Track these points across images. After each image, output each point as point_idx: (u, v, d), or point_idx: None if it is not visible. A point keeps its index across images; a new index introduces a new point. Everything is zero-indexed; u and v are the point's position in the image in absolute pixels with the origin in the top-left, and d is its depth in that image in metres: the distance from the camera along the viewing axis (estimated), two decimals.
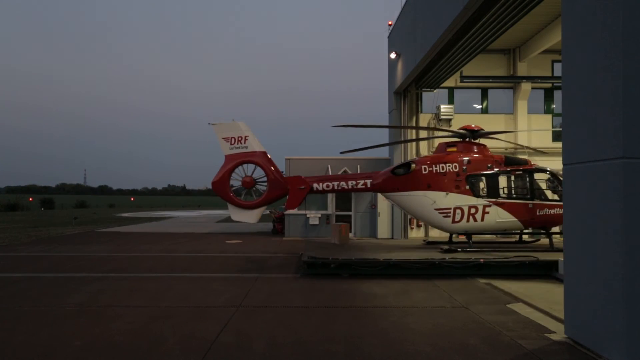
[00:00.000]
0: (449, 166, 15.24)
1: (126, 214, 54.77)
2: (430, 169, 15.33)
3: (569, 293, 7.27)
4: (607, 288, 6.33)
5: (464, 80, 22.99)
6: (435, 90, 23.17)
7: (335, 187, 16.09)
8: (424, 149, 23.72)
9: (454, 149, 15.95)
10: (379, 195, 23.45)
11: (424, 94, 23.81)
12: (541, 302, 9.68)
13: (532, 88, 23.37)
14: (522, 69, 23.08)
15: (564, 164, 7.35)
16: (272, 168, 15.83)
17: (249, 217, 16.02)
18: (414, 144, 23.49)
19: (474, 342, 7.16)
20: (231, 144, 15.66)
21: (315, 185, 16.03)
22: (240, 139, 15.64)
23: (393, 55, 22.77)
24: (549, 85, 23.68)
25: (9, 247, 20.13)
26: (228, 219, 43.69)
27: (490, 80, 23.32)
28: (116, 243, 21.52)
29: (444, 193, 15.07)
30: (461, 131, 16.09)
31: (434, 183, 15.22)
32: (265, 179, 15.92)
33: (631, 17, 6.08)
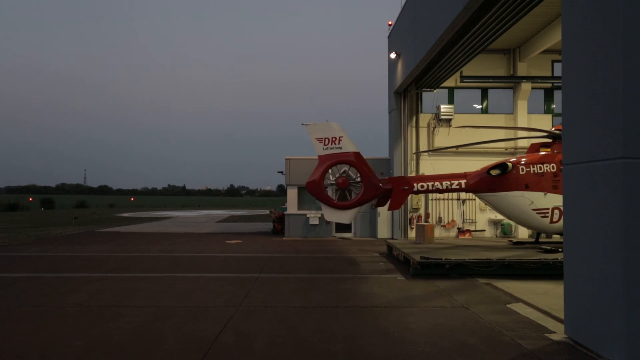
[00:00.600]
0: (547, 166, 15.22)
1: (126, 214, 54.78)
2: (528, 169, 15.26)
3: (569, 293, 7.27)
4: (607, 288, 6.33)
5: (464, 80, 23.01)
6: (435, 90, 23.19)
7: (430, 188, 15.90)
8: (424, 147, 23.72)
9: (548, 149, 15.92)
10: None
11: (424, 93, 23.84)
12: (541, 302, 9.68)
13: (532, 88, 23.38)
14: (522, 69, 23.10)
15: (564, 164, 7.35)
16: (366, 169, 15.57)
17: (343, 218, 15.86)
18: (412, 144, 23.53)
19: (474, 342, 7.17)
20: (325, 145, 15.46)
21: (415, 185, 15.86)
22: (334, 139, 15.43)
23: (393, 55, 22.79)
24: (549, 85, 23.69)
25: (9, 247, 20.13)
26: (228, 219, 43.71)
27: (490, 80, 23.33)
28: (116, 243, 21.53)
29: (542, 193, 15.00)
30: (556, 132, 16.04)
31: (532, 183, 15.16)
32: (359, 179, 15.64)
33: (631, 17, 6.08)
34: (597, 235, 6.54)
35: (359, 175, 15.49)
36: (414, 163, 23.52)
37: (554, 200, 14.97)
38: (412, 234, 23.51)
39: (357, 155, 15.45)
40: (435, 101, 23.81)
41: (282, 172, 26.10)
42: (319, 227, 24.58)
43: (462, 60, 17.56)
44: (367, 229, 24.63)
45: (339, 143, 15.42)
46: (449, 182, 15.90)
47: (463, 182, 15.89)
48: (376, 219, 23.96)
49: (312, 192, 15.53)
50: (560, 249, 14.86)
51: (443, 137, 23.60)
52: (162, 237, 24.42)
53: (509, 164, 15.56)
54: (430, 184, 15.84)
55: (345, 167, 15.56)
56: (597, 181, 6.54)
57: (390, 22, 24.05)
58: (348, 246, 20.39)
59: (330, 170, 15.48)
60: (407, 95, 23.28)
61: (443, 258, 12.92)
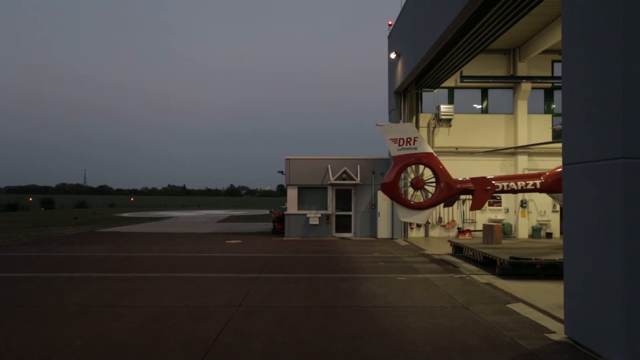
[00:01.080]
0: None
1: (126, 214, 54.76)
2: None
3: (569, 293, 7.27)
4: (607, 288, 6.33)
5: (464, 80, 23.02)
6: (435, 90, 23.20)
7: (506, 188, 15.75)
8: None
9: None
10: (379, 195, 23.50)
11: (424, 93, 23.84)
12: (541, 302, 9.68)
13: (532, 88, 23.41)
14: (522, 69, 23.12)
15: (564, 164, 7.35)
16: (442, 169, 15.45)
17: (419, 218, 15.75)
18: None
19: (474, 342, 7.17)
20: (399, 145, 15.33)
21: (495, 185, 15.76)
22: (409, 140, 15.28)
23: (393, 55, 22.79)
24: (549, 85, 23.72)
25: (9, 247, 20.13)
26: (228, 219, 43.71)
27: (490, 80, 23.36)
28: (116, 243, 21.53)
29: None
30: None
31: None
32: (433, 179, 15.55)
33: (631, 17, 6.08)
34: (597, 235, 6.54)
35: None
36: None
37: None
38: (412, 234, 23.53)
39: (432, 155, 15.39)
40: (435, 101, 23.83)
41: (282, 172, 26.12)
42: (319, 227, 24.59)
43: (462, 60, 17.57)
44: (367, 229, 24.63)
45: (414, 144, 15.27)
46: (524, 183, 15.75)
47: (538, 182, 15.69)
48: (376, 219, 23.96)
49: (387, 193, 15.44)
50: None
51: (443, 137, 23.62)
52: (162, 237, 24.42)
53: None
54: (505, 184, 15.68)
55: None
56: (597, 181, 6.54)
57: (390, 22, 24.06)
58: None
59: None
60: (407, 95, 23.28)
61: (533, 258, 12.84)
